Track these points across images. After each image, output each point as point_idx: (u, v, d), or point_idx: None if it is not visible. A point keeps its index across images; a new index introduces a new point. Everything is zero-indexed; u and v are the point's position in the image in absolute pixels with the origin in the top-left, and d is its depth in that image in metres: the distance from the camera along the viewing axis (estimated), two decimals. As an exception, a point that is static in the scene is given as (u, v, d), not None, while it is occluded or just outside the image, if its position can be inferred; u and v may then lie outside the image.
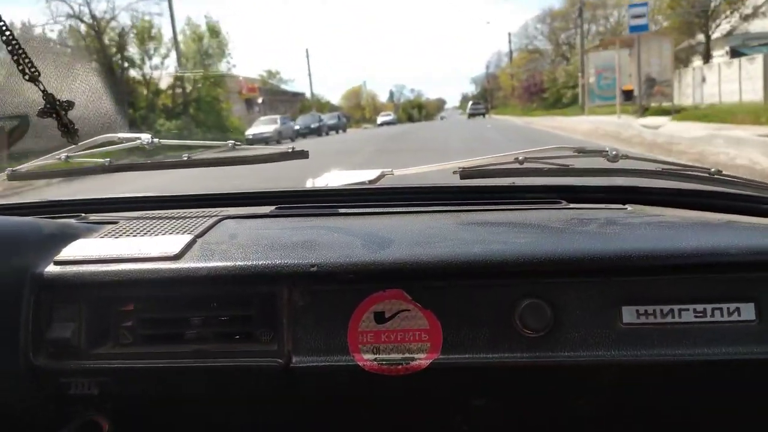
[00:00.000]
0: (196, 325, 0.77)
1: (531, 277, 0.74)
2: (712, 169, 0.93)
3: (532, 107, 40.12)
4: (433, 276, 0.74)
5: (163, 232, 0.88)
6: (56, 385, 0.77)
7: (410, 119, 71.18)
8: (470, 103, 51.29)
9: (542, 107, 38.07)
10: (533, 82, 42.00)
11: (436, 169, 1.04)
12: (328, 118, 35.45)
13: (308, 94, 52.48)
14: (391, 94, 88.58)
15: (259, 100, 37.13)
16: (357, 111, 64.01)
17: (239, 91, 33.79)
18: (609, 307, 0.73)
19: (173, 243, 0.82)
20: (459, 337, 0.73)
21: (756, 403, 0.77)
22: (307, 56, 52.53)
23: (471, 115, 45.25)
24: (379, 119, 48.26)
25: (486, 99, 67.13)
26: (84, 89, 1.12)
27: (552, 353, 0.72)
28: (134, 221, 0.95)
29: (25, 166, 1.07)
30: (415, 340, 0.73)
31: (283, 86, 47.73)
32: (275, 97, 43.00)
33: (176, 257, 0.78)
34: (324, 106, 52.72)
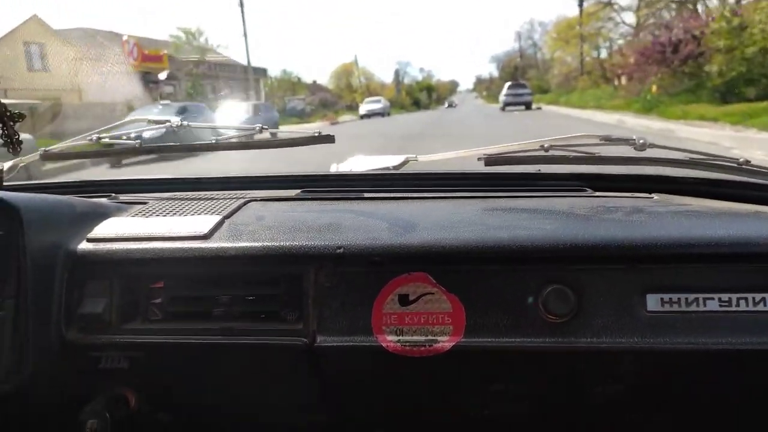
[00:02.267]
0: (223, 303, 0.78)
1: (556, 262, 0.74)
2: (741, 159, 0.92)
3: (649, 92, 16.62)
4: (457, 260, 0.75)
5: (192, 212, 0.90)
6: (87, 358, 0.80)
7: (417, 105, 60.11)
8: (507, 85, 31.16)
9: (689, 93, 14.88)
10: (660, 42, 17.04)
11: (461, 156, 1.04)
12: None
13: (264, 69, 36.64)
14: (397, 74, 73.06)
15: (162, 75, 23.18)
16: (348, 93, 50.82)
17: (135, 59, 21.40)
18: (633, 294, 0.73)
19: (202, 223, 0.83)
20: (482, 321, 0.74)
21: None
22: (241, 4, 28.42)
23: (507, 105, 28.13)
24: (363, 108, 33.31)
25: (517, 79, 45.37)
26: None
27: (574, 339, 0.72)
28: (163, 202, 0.97)
29: (57, 146, 1.09)
30: (438, 323, 0.74)
31: (212, 56, 31.25)
32: (205, 70, 29.18)
33: (205, 237, 0.80)
34: (299, 88, 42.77)
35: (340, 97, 48.58)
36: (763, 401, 0.77)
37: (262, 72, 36.44)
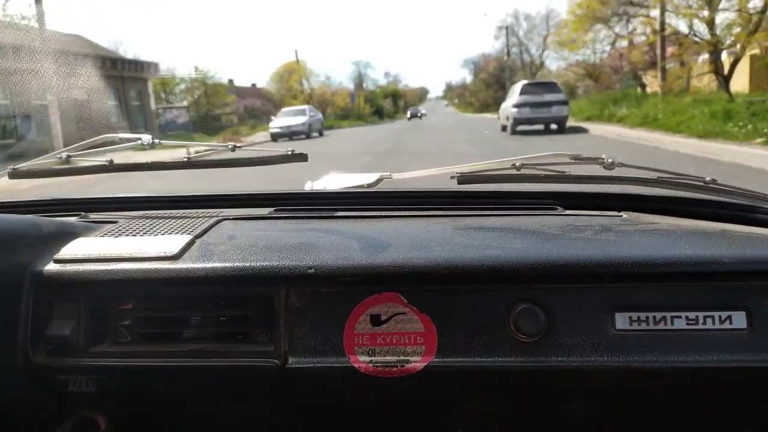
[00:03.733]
0: (193, 324, 0.77)
1: (526, 282, 0.75)
2: (707, 178, 0.94)
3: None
4: (429, 280, 0.75)
5: (163, 232, 0.89)
6: (54, 382, 0.78)
7: (378, 114, 51.03)
8: (520, 87, 15.70)
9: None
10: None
11: (434, 174, 1.05)
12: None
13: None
14: (360, 78, 60.15)
15: None
16: (290, 100, 38.70)
17: None
18: (602, 313, 0.74)
19: (172, 243, 0.82)
20: (454, 341, 0.74)
21: (745, 411, 0.78)
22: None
23: (521, 123, 14.90)
24: (275, 123, 21.79)
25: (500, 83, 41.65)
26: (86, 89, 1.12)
27: (545, 358, 0.73)
28: (134, 221, 0.96)
29: (25, 165, 1.07)
30: (410, 343, 0.74)
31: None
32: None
33: (175, 257, 0.79)
34: (219, 92, 30.85)
35: (279, 104, 35.73)
36: (729, 418, 0.78)
37: (145, 68, 22.92)
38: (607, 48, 25.21)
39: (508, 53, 47.46)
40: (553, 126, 15.11)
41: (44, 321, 0.77)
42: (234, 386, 0.78)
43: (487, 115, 38.38)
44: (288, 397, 0.78)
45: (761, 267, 0.73)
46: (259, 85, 46.69)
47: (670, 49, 17.59)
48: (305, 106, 24.71)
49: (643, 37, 19.35)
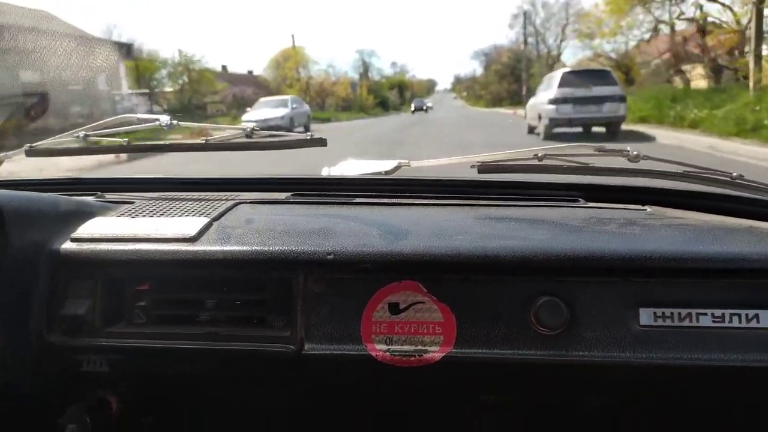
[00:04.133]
0: (209, 307, 0.77)
1: (548, 274, 0.73)
2: (734, 173, 0.92)
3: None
4: (449, 269, 0.74)
5: (180, 213, 0.88)
6: (68, 361, 0.78)
7: (383, 106, 48.75)
8: (560, 75, 11.38)
9: None
10: None
11: (454, 162, 1.03)
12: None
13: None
14: (365, 67, 55.40)
15: None
16: (286, 88, 35.25)
17: None
18: (626, 308, 0.72)
19: (190, 225, 0.82)
20: (473, 332, 0.73)
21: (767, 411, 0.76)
22: None
23: (561, 125, 10.89)
24: (248, 117, 17.96)
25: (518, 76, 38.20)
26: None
27: (566, 352, 0.71)
28: (150, 202, 0.95)
29: (43, 143, 1.07)
30: (428, 333, 0.73)
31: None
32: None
33: (192, 239, 0.78)
34: (205, 78, 27.29)
35: (276, 92, 31.56)
36: (753, 418, 0.76)
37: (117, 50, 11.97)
38: (646, 35, 21.73)
39: (525, 42, 42.09)
40: (599, 129, 11.30)
41: (60, 300, 0.77)
42: (249, 371, 0.77)
43: (501, 110, 36.11)
44: (303, 384, 0.77)
45: None
46: (256, 72, 43.66)
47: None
48: (288, 97, 20.64)
49: (684, 24, 17.73)
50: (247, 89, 33.34)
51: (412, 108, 47.35)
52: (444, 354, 0.72)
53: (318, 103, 39.89)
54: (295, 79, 40.34)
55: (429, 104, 55.89)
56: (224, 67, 39.10)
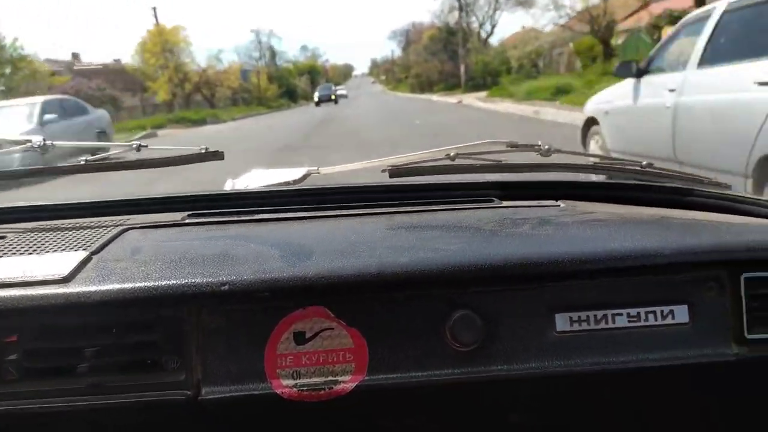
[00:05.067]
0: (90, 356, 0.68)
1: (462, 286, 0.69)
2: (644, 162, 0.92)
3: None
4: (357, 290, 0.68)
5: (55, 248, 0.78)
6: None
7: (291, 96, 40.57)
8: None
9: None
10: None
11: (364, 167, 0.98)
12: None
13: None
14: (264, 50, 46.42)
15: None
16: (149, 79, 30.98)
17: None
18: (542, 315, 0.69)
19: (63, 262, 0.72)
20: (386, 356, 0.68)
21: (692, 407, 0.75)
22: None
23: None
24: None
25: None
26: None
27: (485, 368, 0.68)
28: (23, 235, 0.84)
29: None
30: (338, 361, 0.67)
31: None
32: None
33: (65, 280, 0.69)
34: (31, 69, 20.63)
35: (138, 84, 29.18)
36: (676, 415, 0.75)
37: None
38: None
39: (461, 7, 34.28)
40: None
41: None
42: (141, 425, 0.69)
43: (434, 96, 29.25)
44: None
45: (700, 257, 0.71)
46: (126, 61, 34.58)
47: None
48: (42, 99, 11.33)
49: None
50: (86, 82, 25.09)
51: (316, 98, 36.51)
52: (357, 383, 0.67)
53: (206, 97, 33.65)
54: (161, 66, 31.03)
55: (341, 91, 45.24)
56: (75, 56, 31.73)
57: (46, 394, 0.67)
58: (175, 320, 0.68)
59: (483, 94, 22.75)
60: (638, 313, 0.69)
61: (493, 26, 37.80)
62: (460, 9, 34.16)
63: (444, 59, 35.26)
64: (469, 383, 0.68)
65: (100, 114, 12.87)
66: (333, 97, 36.62)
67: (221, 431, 0.70)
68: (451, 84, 32.48)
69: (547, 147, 0.91)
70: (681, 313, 0.69)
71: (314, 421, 0.70)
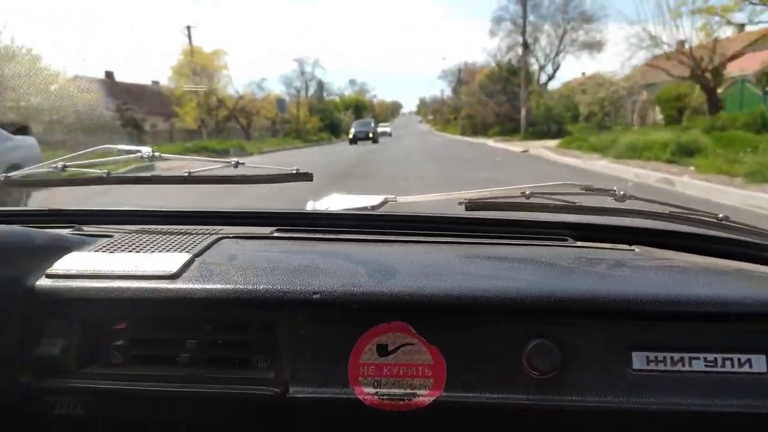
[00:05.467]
0: (190, 348, 0.74)
1: (540, 316, 0.72)
2: (720, 215, 0.93)
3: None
4: (439, 310, 0.72)
5: (160, 248, 0.85)
6: (40, 404, 0.74)
7: (333, 131, 37.04)
8: None
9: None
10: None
11: (441, 199, 1.02)
12: None
13: None
14: (306, 80, 43.16)
15: None
16: (186, 101, 27.44)
17: None
18: (619, 351, 0.71)
19: (171, 261, 0.79)
20: (464, 375, 0.71)
21: None
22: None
23: None
24: None
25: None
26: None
27: (559, 396, 0.70)
28: (130, 235, 0.92)
29: (20, 173, 1.04)
30: (418, 376, 0.71)
31: None
32: None
33: (173, 276, 0.76)
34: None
35: (167, 107, 26.43)
36: None
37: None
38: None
39: (525, 43, 29.13)
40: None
41: (33, 339, 0.73)
42: (231, 415, 0.74)
43: (490, 142, 24.97)
44: (288, 429, 0.74)
45: None
46: (164, 83, 31.14)
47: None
48: None
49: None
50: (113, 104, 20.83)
51: (351, 135, 31.13)
52: (434, 398, 0.70)
53: (242, 126, 30.65)
54: (192, 91, 27.58)
55: (385, 128, 41.23)
56: (109, 74, 27.80)
57: (147, 378, 0.73)
58: (268, 323, 0.73)
59: (551, 143, 18.74)
60: (715, 358, 0.70)
61: (555, 69, 32.83)
62: (525, 46, 29.34)
63: (501, 101, 30.81)
64: (542, 411, 0.70)
65: (23, 143, 8.39)
66: (370, 134, 30.88)
67: (305, 428, 0.74)
68: (508, 128, 28.91)
69: (622, 192, 0.93)
70: (759, 363, 0.70)
71: (391, 429, 0.73)
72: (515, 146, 20.39)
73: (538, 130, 25.00)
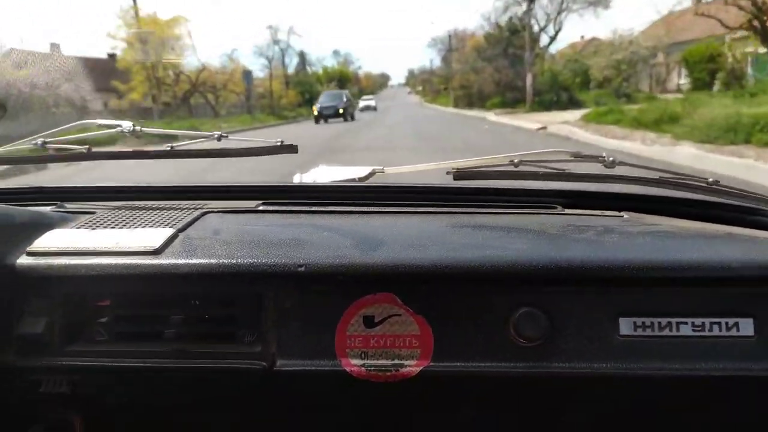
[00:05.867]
0: (175, 323, 0.73)
1: (527, 284, 0.72)
2: (710, 179, 0.92)
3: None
4: (426, 280, 0.71)
5: (143, 224, 0.84)
6: (26, 382, 0.73)
7: (311, 105, 27.46)
8: None
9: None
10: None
11: (429, 169, 1.01)
12: None
13: None
14: (281, 51, 37.76)
15: None
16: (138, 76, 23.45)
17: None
18: (606, 318, 0.71)
19: (154, 236, 0.78)
20: (451, 345, 0.71)
21: (751, 420, 0.75)
22: None
23: None
24: None
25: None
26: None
27: (547, 363, 0.70)
28: (112, 212, 0.91)
29: None
30: (405, 346, 0.71)
31: None
32: None
33: (156, 252, 0.74)
34: None
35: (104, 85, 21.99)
36: (735, 427, 0.76)
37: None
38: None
39: None
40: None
41: (15, 318, 0.72)
42: (218, 389, 0.74)
43: (491, 116, 19.95)
44: (276, 402, 0.74)
45: (767, 272, 0.71)
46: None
47: None
48: None
49: None
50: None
51: (316, 111, 24.35)
52: (421, 368, 0.70)
53: (209, 103, 27.52)
54: (139, 63, 22.96)
55: (368, 102, 36.43)
56: (54, 47, 20.61)
57: (132, 354, 0.72)
58: (254, 297, 0.72)
59: (567, 115, 14.79)
60: (703, 323, 0.70)
61: (557, 30, 27.23)
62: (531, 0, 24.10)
63: (501, 66, 25.70)
64: (529, 378, 0.70)
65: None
66: (341, 110, 23.72)
67: (292, 401, 0.74)
68: (510, 99, 24.24)
69: (611, 159, 0.92)
70: (746, 326, 0.70)
71: (378, 400, 0.73)
72: (525, 121, 15.62)
73: (545, 100, 21.18)
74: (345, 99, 25.56)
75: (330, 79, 45.69)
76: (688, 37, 16.61)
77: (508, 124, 15.90)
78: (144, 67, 23.88)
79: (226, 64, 30.68)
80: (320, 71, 48.31)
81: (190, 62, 26.58)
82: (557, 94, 21.25)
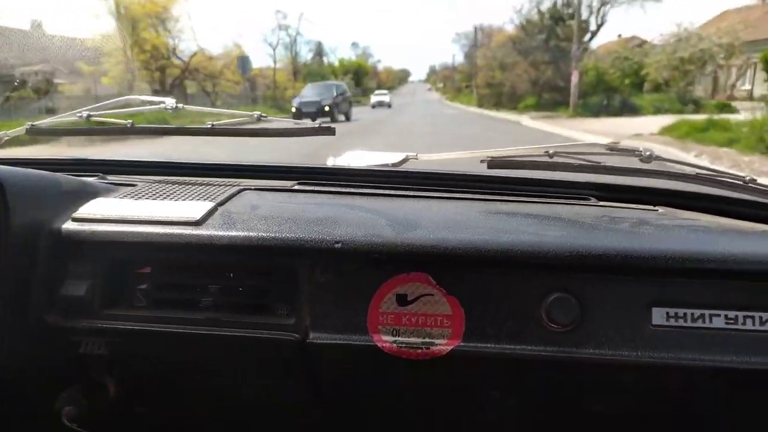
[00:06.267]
0: (212, 293, 0.75)
1: (560, 270, 0.72)
2: (747, 177, 0.91)
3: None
4: (460, 262, 0.72)
5: (184, 197, 0.87)
6: (67, 343, 0.76)
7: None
8: None
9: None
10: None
11: (462, 157, 1.02)
12: None
13: None
14: (318, 47, 36.15)
15: None
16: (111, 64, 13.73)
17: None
18: (638, 307, 0.71)
19: (194, 208, 0.80)
20: (482, 326, 0.71)
21: None
22: None
23: None
24: None
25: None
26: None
27: (576, 349, 0.70)
28: (153, 185, 0.93)
29: (45, 122, 1.05)
30: (436, 326, 0.72)
31: None
32: None
33: (197, 223, 0.77)
34: None
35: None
36: (764, 422, 0.75)
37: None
38: None
39: None
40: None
41: (60, 280, 0.75)
42: (251, 359, 0.76)
43: (527, 121, 16.83)
44: (307, 374, 0.76)
45: None
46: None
47: None
48: None
49: None
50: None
51: (294, 108, 19.18)
52: (451, 347, 0.71)
53: (206, 91, 24.69)
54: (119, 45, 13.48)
55: (382, 97, 33.20)
56: (36, 25, 16.01)
57: (170, 320, 0.75)
58: (290, 270, 0.74)
59: (626, 124, 12.39)
60: (736, 316, 0.70)
61: (600, 25, 23.15)
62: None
63: (540, 61, 21.53)
64: (558, 362, 0.70)
65: None
66: (327, 108, 18.60)
67: (324, 373, 0.76)
68: (547, 101, 20.72)
69: (648, 153, 0.92)
70: None
71: (408, 377, 0.74)
72: (570, 129, 12.67)
73: (592, 104, 17.52)
74: (336, 93, 20.44)
75: (346, 72, 42.83)
76: (760, 36, 13.65)
77: (553, 133, 13.01)
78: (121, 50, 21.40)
79: (231, 50, 28.05)
80: (336, 63, 45.00)
81: (188, 47, 25.11)
82: (608, 98, 17.83)
